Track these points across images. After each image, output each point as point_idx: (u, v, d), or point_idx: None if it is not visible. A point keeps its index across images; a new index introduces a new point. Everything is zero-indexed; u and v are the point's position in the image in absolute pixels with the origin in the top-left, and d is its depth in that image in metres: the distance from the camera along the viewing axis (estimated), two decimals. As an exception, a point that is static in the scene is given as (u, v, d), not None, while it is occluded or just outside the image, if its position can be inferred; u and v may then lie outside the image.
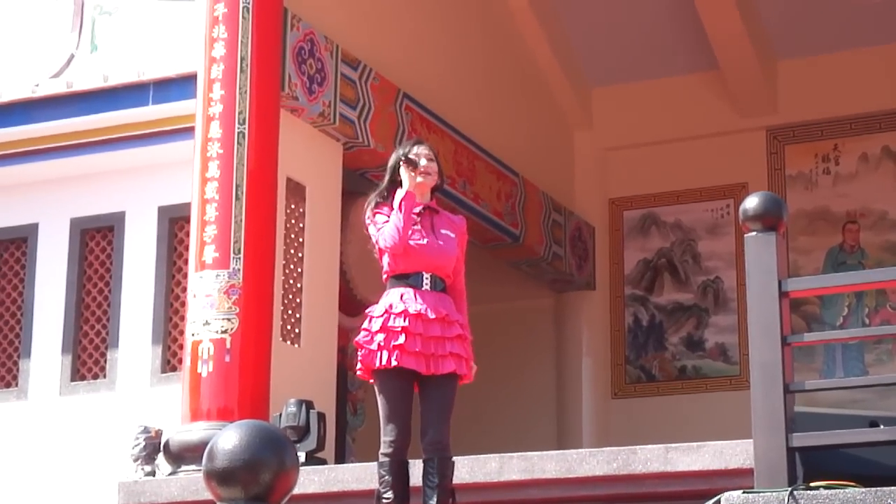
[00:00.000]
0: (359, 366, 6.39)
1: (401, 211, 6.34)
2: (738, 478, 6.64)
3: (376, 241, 6.48)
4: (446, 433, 6.29)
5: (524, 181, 13.29)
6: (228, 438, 3.46)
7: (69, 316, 10.28)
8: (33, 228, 10.59)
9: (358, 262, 10.55)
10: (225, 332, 8.78)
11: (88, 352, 10.25)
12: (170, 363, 9.88)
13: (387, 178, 6.57)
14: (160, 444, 8.96)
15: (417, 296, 6.34)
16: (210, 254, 8.93)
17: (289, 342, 9.70)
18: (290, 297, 9.79)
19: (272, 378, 8.93)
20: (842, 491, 5.59)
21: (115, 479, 8.88)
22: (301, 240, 9.97)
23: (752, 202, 6.15)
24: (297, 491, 3.81)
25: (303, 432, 8.63)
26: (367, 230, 6.56)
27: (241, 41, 9.19)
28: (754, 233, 6.16)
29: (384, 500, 6.26)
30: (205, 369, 8.75)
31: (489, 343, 12.54)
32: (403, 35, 11.62)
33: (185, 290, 9.50)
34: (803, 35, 14.08)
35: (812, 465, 5.93)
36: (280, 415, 8.73)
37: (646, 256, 14.86)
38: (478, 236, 12.21)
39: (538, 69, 14.16)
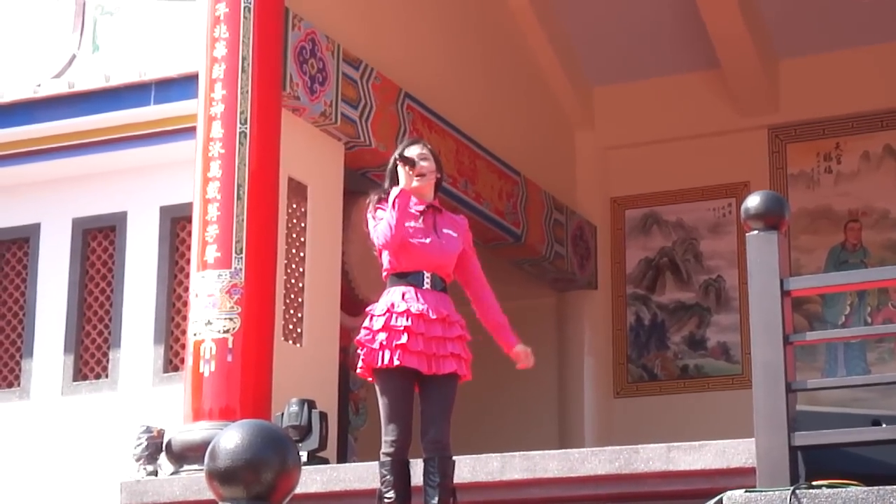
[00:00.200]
0: (360, 364, 6.39)
1: (394, 208, 6.33)
2: (741, 477, 6.64)
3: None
4: (447, 432, 6.29)
5: (526, 180, 13.29)
6: (230, 438, 3.46)
7: (71, 316, 10.29)
8: (35, 228, 10.60)
9: (360, 261, 10.55)
10: (227, 331, 8.79)
11: (90, 351, 10.25)
12: (172, 363, 9.89)
13: (388, 178, 6.57)
14: (162, 443, 8.96)
15: (419, 295, 6.33)
16: (212, 253, 8.93)
17: (291, 342, 9.70)
18: (292, 296, 9.79)
19: (274, 377, 8.94)
20: (844, 490, 5.59)
21: (118, 478, 8.89)
22: (303, 239, 9.98)
23: (753, 201, 6.15)
24: (299, 490, 3.81)
25: (305, 432, 8.63)
26: (367, 228, 6.56)
27: (243, 41, 9.20)
28: (756, 232, 6.16)
29: (386, 500, 6.26)
30: (207, 369, 8.76)
31: (491, 342, 12.53)
32: (405, 35, 11.62)
33: (186, 289, 9.51)
34: (805, 34, 14.08)
35: (814, 464, 5.93)
36: (282, 414, 8.73)
37: (647, 255, 14.86)
38: (479, 236, 12.17)
39: (539, 68, 14.16)
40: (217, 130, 9.10)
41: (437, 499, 6.20)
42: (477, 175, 12.37)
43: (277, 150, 9.26)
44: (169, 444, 8.81)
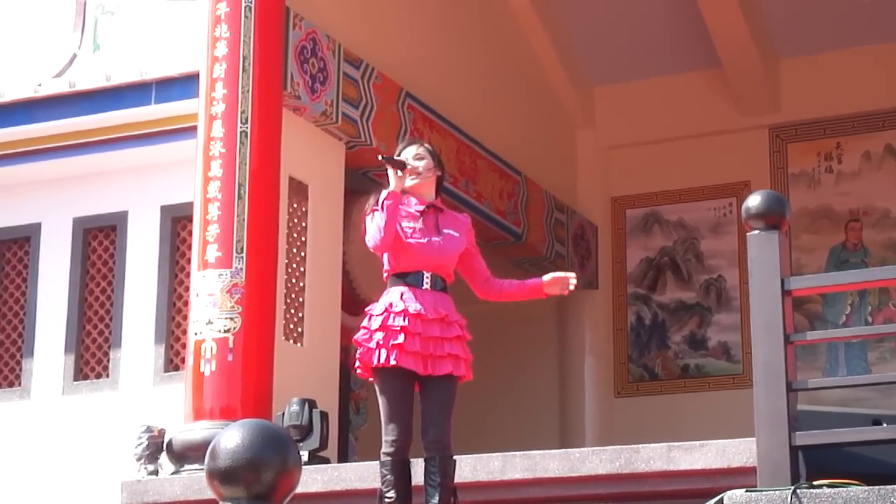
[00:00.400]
0: (357, 364, 6.39)
1: (383, 211, 6.33)
2: (741, 476, 6.64)
3: None
4: (447, 432, 6.29)
5: (527, 180, 13.29)
6: (231, 437, 3.46)
7: (72, 315, 10.29)
8: (36, 228, 10.60)
9: (360, 260, 10.55)
10: (228, 331, 8.79)
11: (91, 351, 10.25)
12: (172, 362, 9.89)
13: (389, 178, 6.57)
14: (163, 443, 8.96)
15: (417, 295, 6.33)
16: (213, 253, 8.93)
17: (291, 341, 9.70)
18: (293, 296, 9.79)
19: (275, 377, 8.94)
20: (845, 489, 5.59)
21: (118, 478, 8.89)
22: (304, 239, 9.97)
23: (754, 200, 6.15)
24: (299, 490, 3.81)
25: (305, 431, 8.63)
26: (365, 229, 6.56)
27: (244, 40, 9.20)
28: (757, 231, 6.16)
29: (387, 500, 6.26)
30: (207, 368, 8.76)
31: (492, 342, 12.55)
32: (406, 34, 11.62)
33: (187, 289, 9.51)
34: (806, 33, 14.08)
35: (815, 464, 5.93)
36: (283, 414, 8.73)
37: (648, 255, 14.86)
38: (480, 235, 12.08)
39: (540, 68, 14.16)
40: (218, 130, 9.10)
41: (437, 498, 6.20)
42: (478, 174, 12.37)
43: (278, 150, 9.26)
44: (170, 443, 8.81)
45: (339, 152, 10.52)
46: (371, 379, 6.40)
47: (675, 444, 7.27)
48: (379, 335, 6.27)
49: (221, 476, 3.44)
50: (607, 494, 7.38)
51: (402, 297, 6.33)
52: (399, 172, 6.42)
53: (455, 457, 6.35)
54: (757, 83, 14.24)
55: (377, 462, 6.37)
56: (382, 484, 6.28)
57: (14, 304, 10.64)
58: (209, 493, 3.54)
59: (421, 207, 6.47)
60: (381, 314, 6.31)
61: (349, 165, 10.62)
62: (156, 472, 8.93)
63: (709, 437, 7.58)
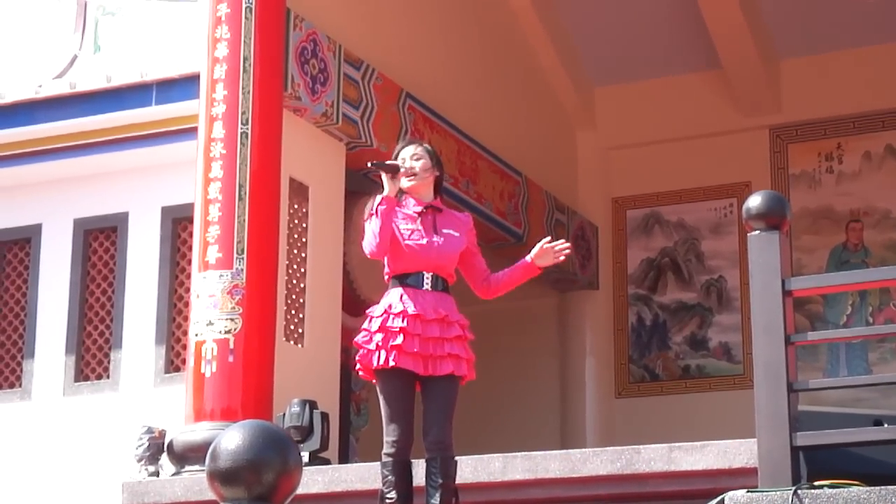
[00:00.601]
0: (357, 365, 6.39)
1: (377, 216, 6.33)
2: (742, 477, 6.64)
3: None
4: (448, 432, 6.29)
5: (527, 181, 13.29)
6: (232, 438, 3.46)
7: (73, 316, 10.29)
8: (37, 229, 10.60)
9: (361, 261, 10.52)
10: (228, 332, 8.79)
11: (92, 352, 10.25)
12: (173, 363, 9.89)
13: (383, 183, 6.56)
14: (164, 444, 8.96)
15: (418, 296, 6.33)
16: (213, 254, 8.93)
17: (292, 342, 9.70)
18: (294, 297, 9.79)
19: (276, 378, 8.94)
20: (846, 490, 5.59)
21: (119, 479, 8.89)
22: (304, 240, 9.97)
23: (755, 201, 6.15)
24: (300, 491, 3.81)
25: (306, 432, 8.63)
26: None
27: (244, 41, 9.20)
28: (757, 232, 6.15)
29: (388, 500, 6.26)
30: (208, 369, 8.76)
31: (492, 343, 12.54)
32: (406, 35, 11.62)
33: (188, 290, 9.51)
34: (806, 34, 14.08)
35: (816, 464, 5.93)
36: (283, 415, 8.73)
37: (649, 256, 14.86)
38: (481, 236, 12.04)
39: (541, 68, 14.16)
40: (218, 131, 9.10)
41: (438, 499, 6.20)
42: (478, 175, 12.38)
43: (279, 151, 9.26)
44: (170, 444, 8.81)
45: (340, 153, 10.53)
46: (373, 380, 6.41)
47: (676, 444, 7.26)
48: (378, 337, 6.27)
49: (222, 477, 3.44)
50: (608, 495, 7.38)
51: (401, 298, 6.33)
52: (392, 176, 6.42)
53: (456, 457, 6.35)
54: (757, 84, 14.24)
55: (378, 463, 6.37)
56: (383, 485, 6.28)
57: (15, 305, 10.64)
58: (210, 494, 3.54)
59: (419, 208, 6.46)
60: (381, 316, 6.31)
61: (350, 166, 10.62)
62: (156, 474, 8.93)
63: (710, 437, 7.58)
